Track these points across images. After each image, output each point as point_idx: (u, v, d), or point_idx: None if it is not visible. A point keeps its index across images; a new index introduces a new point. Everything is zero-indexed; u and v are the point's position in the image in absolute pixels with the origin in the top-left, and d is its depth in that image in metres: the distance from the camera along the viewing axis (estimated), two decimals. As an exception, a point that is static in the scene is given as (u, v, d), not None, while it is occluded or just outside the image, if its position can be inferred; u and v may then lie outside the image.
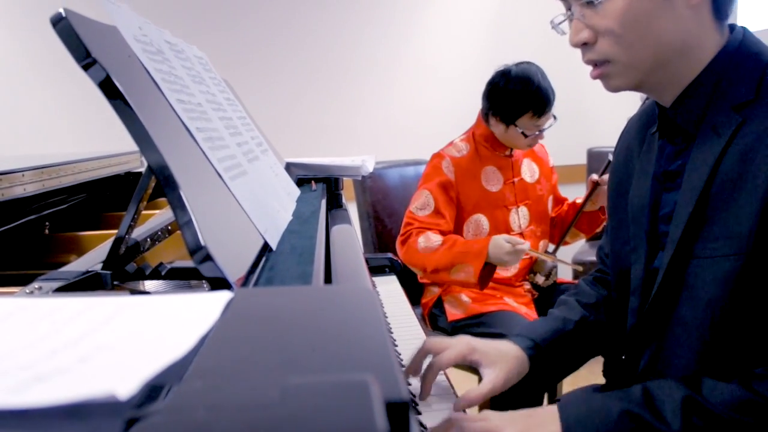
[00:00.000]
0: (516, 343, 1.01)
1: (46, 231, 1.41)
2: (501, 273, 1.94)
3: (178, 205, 0.60)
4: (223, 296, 0.50)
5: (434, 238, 1.85)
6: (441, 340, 0.97)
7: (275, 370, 0.36)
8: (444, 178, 1.91)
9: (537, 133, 1.88)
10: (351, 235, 1.14)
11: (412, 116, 3.19)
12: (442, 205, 1.90)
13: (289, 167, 1.52)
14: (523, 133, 1.87)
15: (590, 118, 3.26)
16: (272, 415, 0.30)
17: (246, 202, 0.85)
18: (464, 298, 1.92)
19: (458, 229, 1.94)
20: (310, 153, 1.85)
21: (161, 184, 0.61)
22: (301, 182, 1.53)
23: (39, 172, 1.27)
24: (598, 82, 0.89)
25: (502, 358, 0.97)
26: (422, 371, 0.95)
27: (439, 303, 2.01)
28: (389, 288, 1.50)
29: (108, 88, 0.62)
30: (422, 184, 1.96)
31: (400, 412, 0.33)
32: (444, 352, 0.94)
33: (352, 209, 2.34)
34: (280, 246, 0.84)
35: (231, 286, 0.58)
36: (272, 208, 1.00)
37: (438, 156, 1.97)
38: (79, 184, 1.47)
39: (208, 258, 0.58)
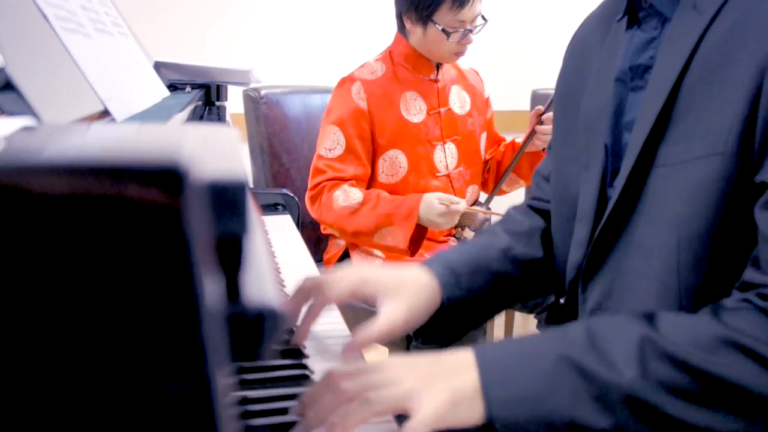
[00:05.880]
0: (425, 269, 0.80)
1: None
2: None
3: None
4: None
5: (354, 195, 1.53)
6: (325, 275, 0.77)
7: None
8: (354, 106, 1.57)
9: (462, 32, 1.54)
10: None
11: (322, 34, 2.56)
12: (355, 142, 1.57)
13: (158, 68, 1.20)
14: (444, 30, 1.52)
15: (536, 56, 2.72)
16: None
17: (84, 62, 0.61)
18: (377, 251, 1.62)
19: (371, 167, 1.62)
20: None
21: None
22: (173, 90, 1.22)
23: None
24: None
25: (404, 288, 0.75)
26: None
27: (345, 257, 1.70)
28: (281, 225, 1.23)
29: None
30: (329, 118, 1.61)
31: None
32: (329, 288, 0.74)
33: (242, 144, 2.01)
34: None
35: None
36: (125, 86, 0.77)
37: (347, 80, 1.61)
38: None
39: (8, 86, 0.41)
